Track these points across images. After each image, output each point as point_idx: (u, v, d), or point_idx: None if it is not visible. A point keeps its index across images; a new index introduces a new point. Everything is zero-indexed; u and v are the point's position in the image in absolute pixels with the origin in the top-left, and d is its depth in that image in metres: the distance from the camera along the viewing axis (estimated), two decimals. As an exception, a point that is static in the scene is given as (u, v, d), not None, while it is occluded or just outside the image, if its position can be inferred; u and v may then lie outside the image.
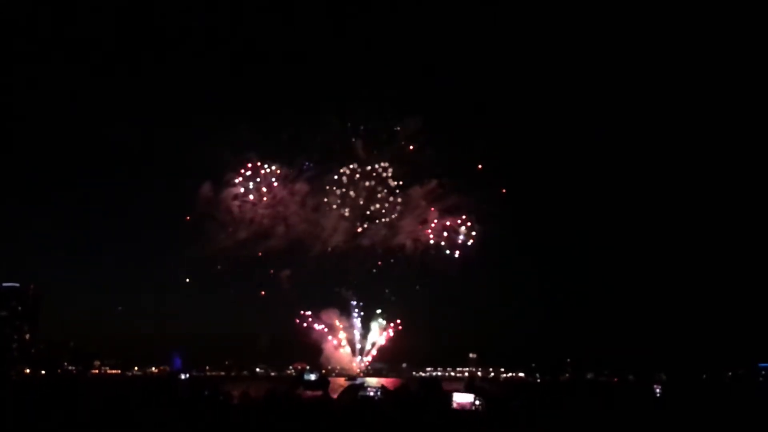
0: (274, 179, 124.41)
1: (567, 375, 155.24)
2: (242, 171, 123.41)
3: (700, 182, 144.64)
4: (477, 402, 22.07)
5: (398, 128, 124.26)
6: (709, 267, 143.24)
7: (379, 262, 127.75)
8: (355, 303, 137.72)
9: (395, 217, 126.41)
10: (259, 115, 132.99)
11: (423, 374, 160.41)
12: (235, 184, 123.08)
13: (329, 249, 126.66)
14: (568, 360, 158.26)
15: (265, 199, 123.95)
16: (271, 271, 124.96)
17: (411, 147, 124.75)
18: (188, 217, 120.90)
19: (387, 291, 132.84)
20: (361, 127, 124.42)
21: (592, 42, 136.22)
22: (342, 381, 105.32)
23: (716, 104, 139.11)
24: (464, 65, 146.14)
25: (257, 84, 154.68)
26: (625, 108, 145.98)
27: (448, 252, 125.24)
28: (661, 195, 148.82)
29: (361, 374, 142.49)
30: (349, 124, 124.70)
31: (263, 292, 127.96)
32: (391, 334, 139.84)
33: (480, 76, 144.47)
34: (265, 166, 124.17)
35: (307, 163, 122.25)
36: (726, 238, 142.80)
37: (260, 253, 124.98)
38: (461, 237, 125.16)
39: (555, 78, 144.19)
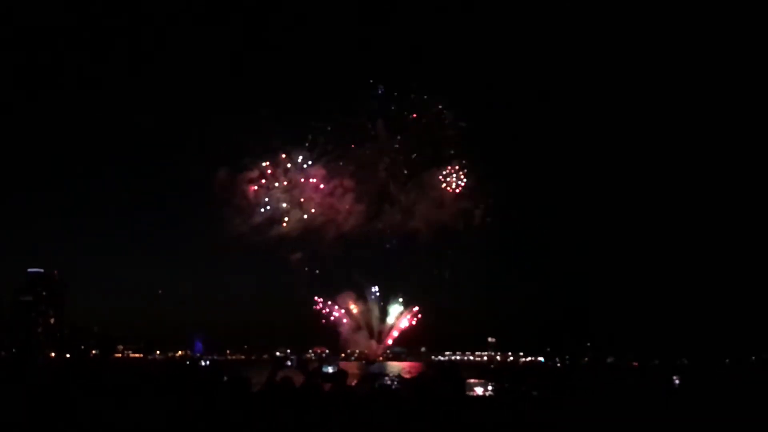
0: (289, 164, 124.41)
1: (586, 359, 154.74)
2: (260, 156, 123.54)
3: (724, 164, 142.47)
4: (490, 387, 22.19)
5: (420, 109, 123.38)
6: (732, 250, 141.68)
7: (395, 247, 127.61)
8: (372, 287, 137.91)
9: (412, 200, 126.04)
10: (278, 97, 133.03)
11: (441, 358, 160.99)
12: (252, 168, 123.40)
13: (344, 233, 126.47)
14: (588, 344, 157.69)
15: (284, 183, 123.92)
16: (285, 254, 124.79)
17: (432, 129, 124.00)
18: (208, 203, 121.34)
19: (404, 277, 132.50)
20: (382, 108, 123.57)
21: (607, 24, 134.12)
22: (356, 367, 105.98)
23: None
24: (487, 46, 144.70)
25: (276, 65, 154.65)
26: (632, 99, 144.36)
27: (465, 235, 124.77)
28: (687, 175, 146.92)
29: (381, 358, 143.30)
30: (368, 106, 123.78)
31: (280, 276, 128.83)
32: (410, 318, 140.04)
33: (502, 59, 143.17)
34: (284, 156, 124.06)
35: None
36: (751, 220, 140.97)
37: (276, 237, 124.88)
38: (478, 220, 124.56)
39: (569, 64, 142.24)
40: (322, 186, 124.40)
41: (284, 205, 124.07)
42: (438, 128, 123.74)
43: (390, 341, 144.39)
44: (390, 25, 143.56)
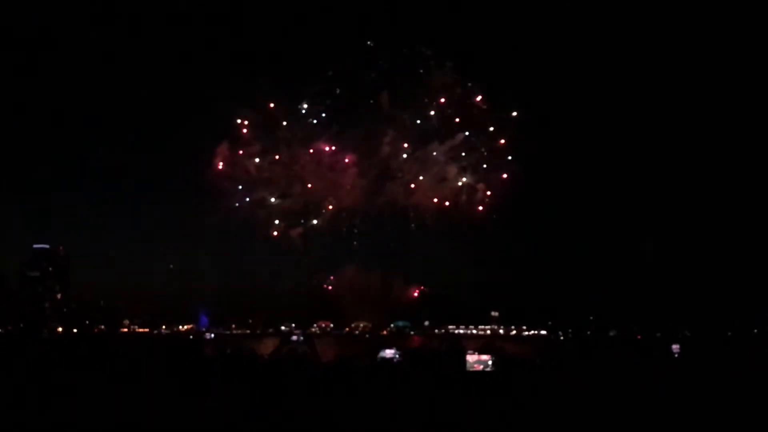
0: (290, 138, 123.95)
1: (589, 333, 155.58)
2: (258, 126, 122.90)
3: (728, 136, 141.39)
4: (490, 362, 22.12)
5: (427, 80, 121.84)
6: (735, 223, 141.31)
7: (398, 221, 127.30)
8: (374, 261, 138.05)
9: (414, 174, 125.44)
10: (279, 67, 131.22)
11: (445, 332, 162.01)
12: (252, 143, 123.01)
13: (346, 207, 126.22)
14: (591, 318, 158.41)
15: (278, 157, 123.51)
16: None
17: (440, 100, 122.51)
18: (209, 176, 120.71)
19: (407, 251, 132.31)
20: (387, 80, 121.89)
21: None
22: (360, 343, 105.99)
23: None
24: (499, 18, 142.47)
25: (277, 33, 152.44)
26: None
27: (467, 210, 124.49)
28: (686, 146, 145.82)
29: (385, 332, 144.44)
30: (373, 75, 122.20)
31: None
32: (414, 293, 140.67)
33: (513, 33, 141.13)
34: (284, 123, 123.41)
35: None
36: (755, 191, 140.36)
37: (277, 212, 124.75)
38: (481, 194, 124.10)
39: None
40: (324, 161, 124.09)
41: (284, 180, 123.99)
42: (451, 102, 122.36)
43: (393, 315, 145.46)
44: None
